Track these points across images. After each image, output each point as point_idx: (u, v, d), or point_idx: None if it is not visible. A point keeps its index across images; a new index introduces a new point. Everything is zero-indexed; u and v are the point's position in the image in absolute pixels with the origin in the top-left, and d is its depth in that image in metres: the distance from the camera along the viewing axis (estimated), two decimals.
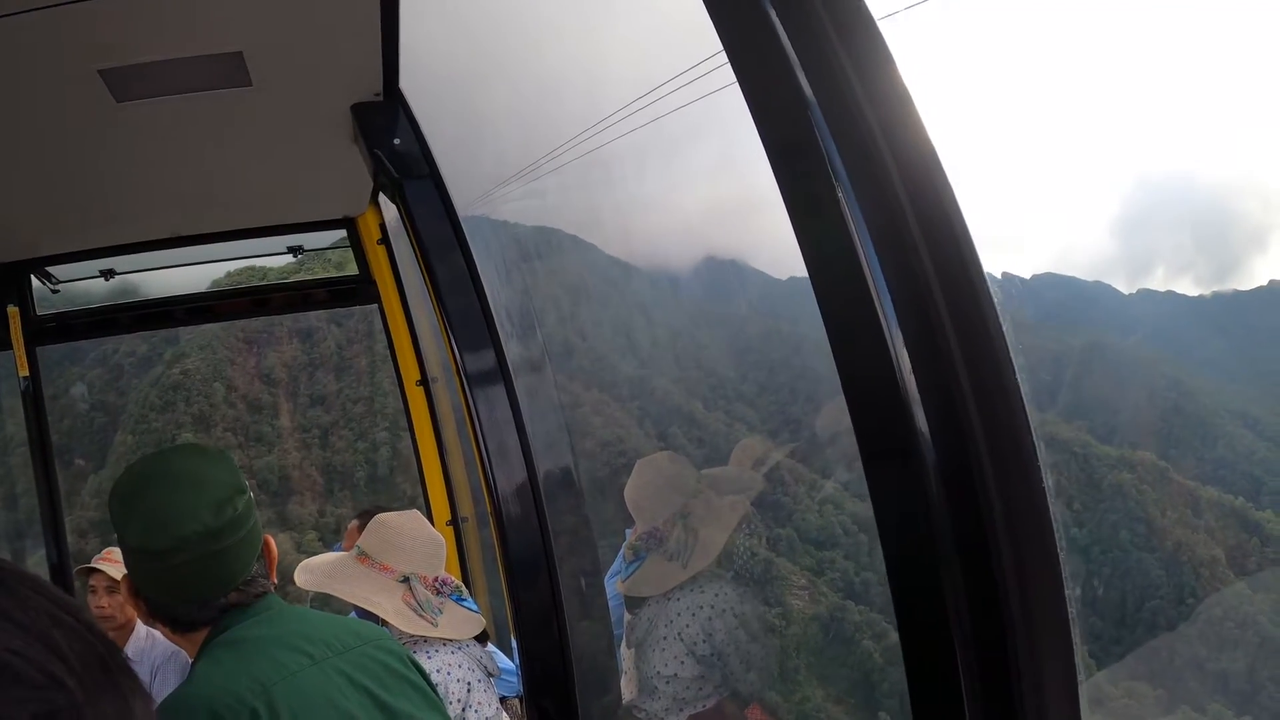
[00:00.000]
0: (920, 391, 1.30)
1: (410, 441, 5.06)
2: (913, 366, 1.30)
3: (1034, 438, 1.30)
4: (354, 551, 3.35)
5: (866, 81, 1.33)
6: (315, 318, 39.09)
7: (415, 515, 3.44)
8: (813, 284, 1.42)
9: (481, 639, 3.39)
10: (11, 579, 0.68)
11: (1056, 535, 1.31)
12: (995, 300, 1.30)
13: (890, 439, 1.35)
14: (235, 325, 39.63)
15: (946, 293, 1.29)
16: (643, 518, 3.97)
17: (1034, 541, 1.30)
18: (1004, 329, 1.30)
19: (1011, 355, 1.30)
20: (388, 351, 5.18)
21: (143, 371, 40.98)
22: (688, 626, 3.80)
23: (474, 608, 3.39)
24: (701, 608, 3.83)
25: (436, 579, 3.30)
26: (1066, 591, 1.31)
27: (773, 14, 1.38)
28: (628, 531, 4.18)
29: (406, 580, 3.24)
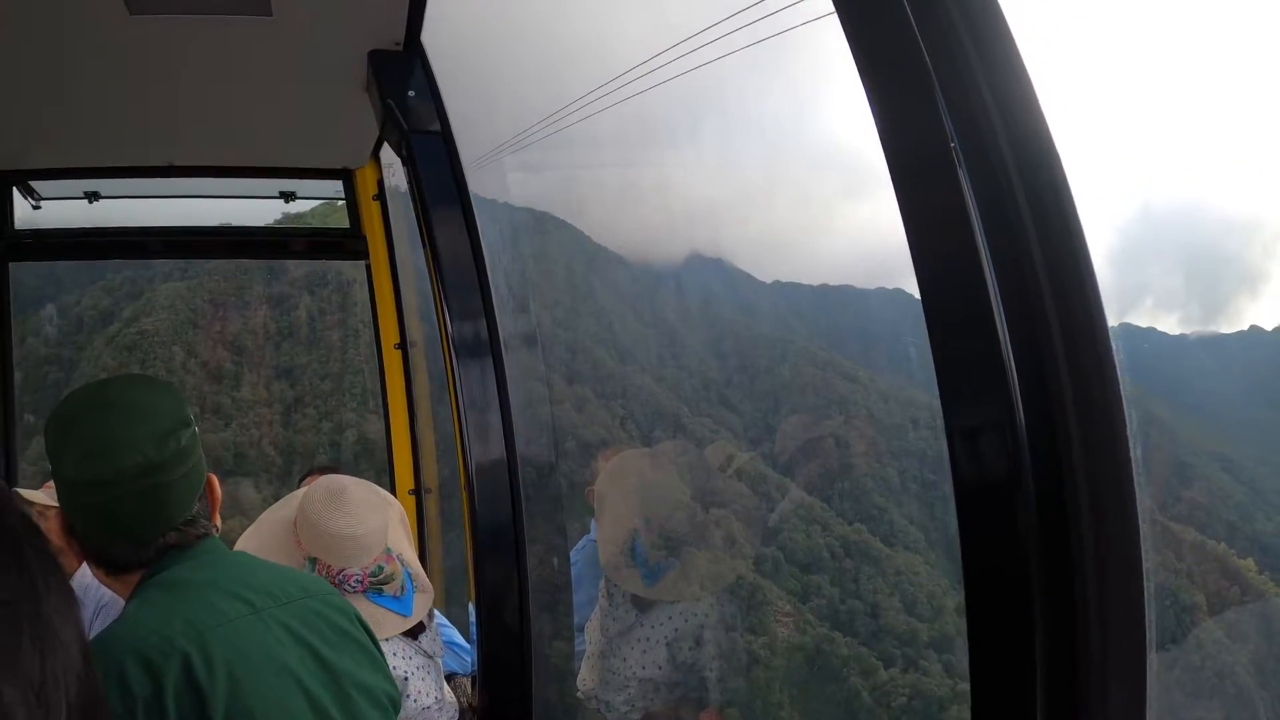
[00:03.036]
0: (1018, 366, 1.34)
1: (382, 411, 5.06)
2: (1013, 347, 1.34)
3: (1126, 413, 1.33)
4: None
5: (986, 58, 1.37)
6: (288, 285, 38.36)
7: (341, 496, 3.20)
8: (915, 258, 1.45)
9: (413, 632, 3.29)
10: None
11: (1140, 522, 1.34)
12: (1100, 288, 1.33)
13: (983, 417, 1.39)
14: (202, 286, 39.01)
15: (1051, 274, 1.32)
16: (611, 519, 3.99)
17: (1119, 550, 1.34)
18: (1107, 324, 1.33)
19: (1111, 343, 1.33)
20: (362, 320, 5.18)
21: (103, 327, 40.02)
22: (677, 631, 3.82)
23: (394, 606, 3.21)
24: (695, 614, 3.87)
25: (340, 571, 3.11)
26: (1145, 566, 1.36)
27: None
28: (592, 524, 4.20)
29: (311, 563, 3.11)
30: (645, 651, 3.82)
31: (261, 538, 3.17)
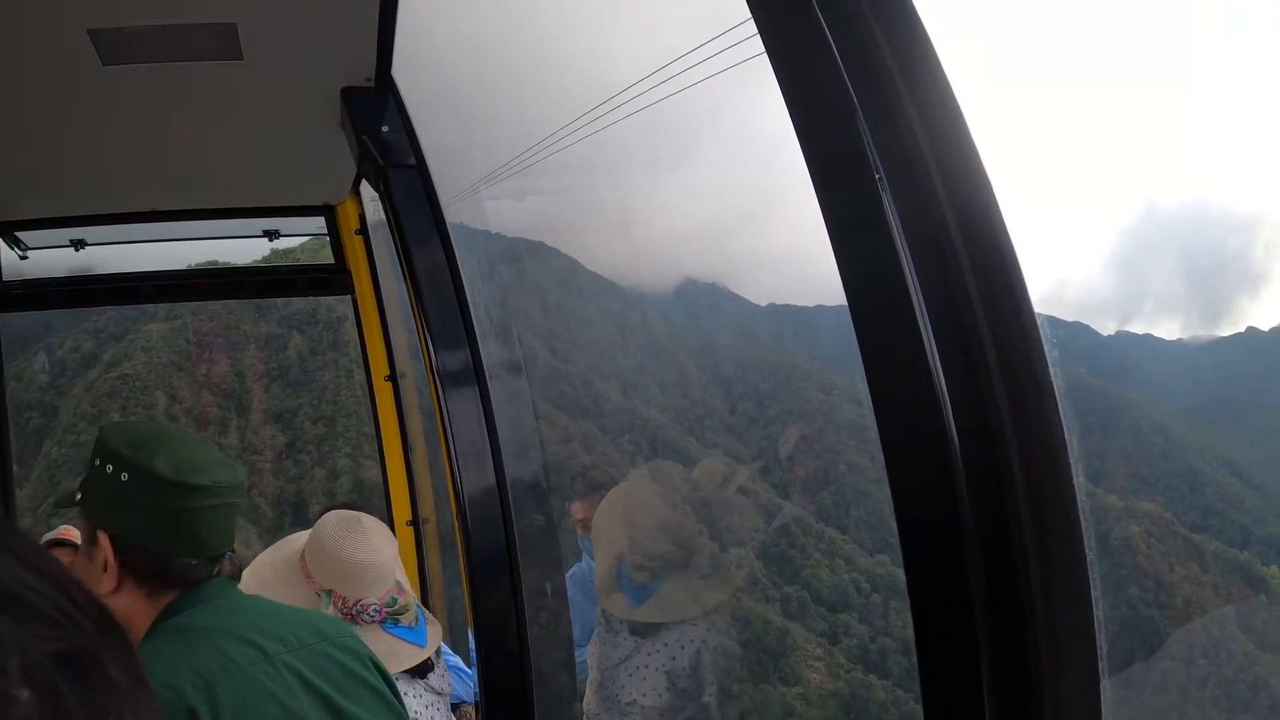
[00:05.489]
0: (951, 397, 1.39)
1: (376, 444, 5.22)
2: (945, 374, 1.39)
3: (1065, 435, 1.38)
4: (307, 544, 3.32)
5: (913, 86, 1.44)
6: (276, 324, 37.83)
7: (358, 527, 3.29)
8: (845, 287, 1.51)
9: (421, 670, 3.36)
10: (19, 533, 0.70)
11: (1086, 540, 1.39)
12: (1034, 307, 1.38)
13: (919, 445, 1.45)
14: (185, 328, 38.64)
15: (985, 299, 1.38)
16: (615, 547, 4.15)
17: (1062, 547, 1.38)
18: (1041, 337, 1.38)
19: (1050, 366, 1.38)
20: (354, 359, 5.31)
21: (86, 371, 39.27)
22: (673, 659, 3.94)
23: (409, 637, 3.30)
24: (692, 640, 3.99)
25: (357, 602, 3.19)
26: (1093, 594, 1.39)
27: (818, 13, 1.51)
28: (584, 541, 4.36)
29: (326, 595, 3.19)
30: (645, 679, 3.95)
31: (262, 578, 3.23)
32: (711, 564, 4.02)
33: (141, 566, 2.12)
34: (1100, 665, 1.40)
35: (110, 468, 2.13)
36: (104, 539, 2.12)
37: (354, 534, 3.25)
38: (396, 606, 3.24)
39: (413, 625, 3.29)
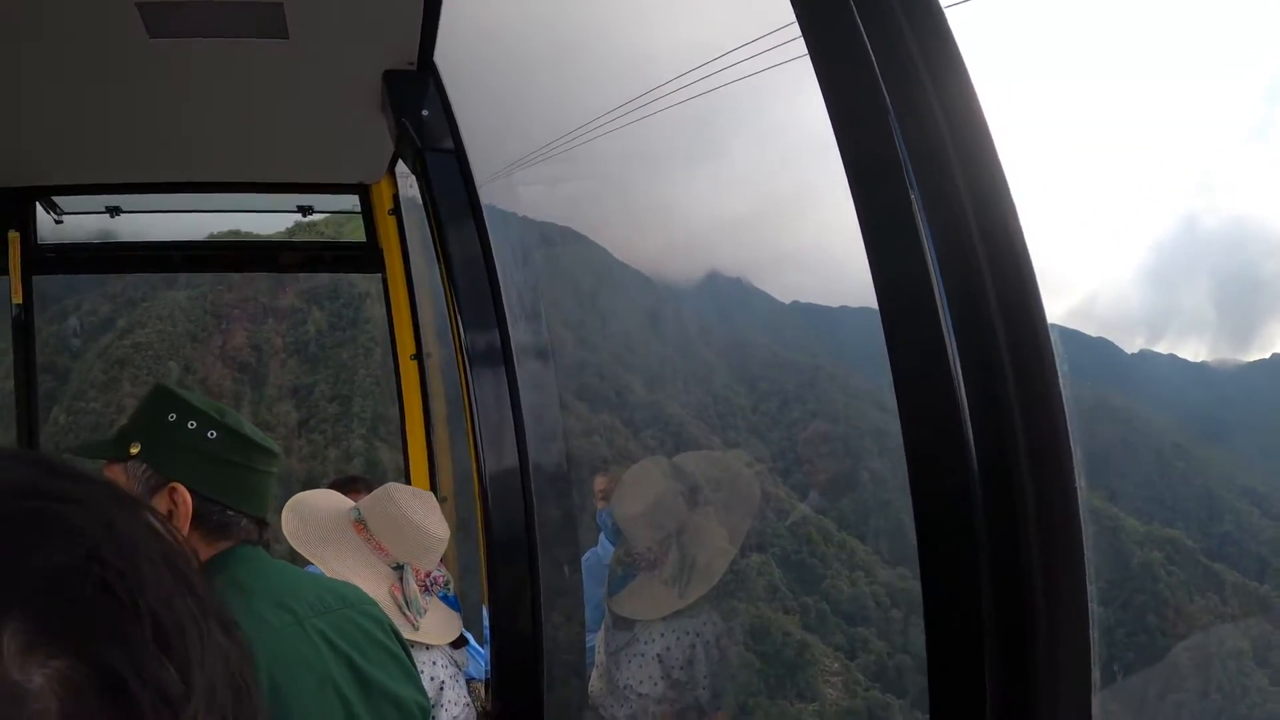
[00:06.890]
0: (969, 395, 1.46)
1: (399, 421, 5.32)
2: (964, 375, 1.46)
3: (1070, 443, 1.44)
4: (352, 514, 3.41)
5: (944, 98, 1.51)
6: (296, 298, 37.58)
7: (428, 501, 3.51)
8: (876, 290, 1.58)
9: (458, 642, 3.51)
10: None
11: (1084, 539, 1.45)
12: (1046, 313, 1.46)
13: (937, 441, 1.52)
14: (204, 298, 38.55)
15: (1002, 306, 1.45)
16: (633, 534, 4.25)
17: (1062, 540, 1.45)
18: (1053, 343, 1.44)
19: (1058, 366, 1.45)
20: (373, 337, 5.40)
21: (102, 335, 38.99)
22: (669, 650, 4.05)
23: (458, 607, 3.52)
24: (687, 633, 4.09)
25: (429, 574, 3.38)
26: (1089, 588, 1.46)
27: (860, 24, 1.58)
28: (601, 515, 4.46)
29: (400, 569, 3.32)
30: (642, 667, 4.06)
31: (343, 563, 3.27)
32: (695, 563, 4.11)
33: (209, 518, 2.27)
34: (1094, 676, 1.47)
35: (194, 424, 2.29)
36: (182, 490, 2.25)
37: (431, 510, 3.48)
38: (445, 576, 3.48)
39: (453, 594, 3.53)
